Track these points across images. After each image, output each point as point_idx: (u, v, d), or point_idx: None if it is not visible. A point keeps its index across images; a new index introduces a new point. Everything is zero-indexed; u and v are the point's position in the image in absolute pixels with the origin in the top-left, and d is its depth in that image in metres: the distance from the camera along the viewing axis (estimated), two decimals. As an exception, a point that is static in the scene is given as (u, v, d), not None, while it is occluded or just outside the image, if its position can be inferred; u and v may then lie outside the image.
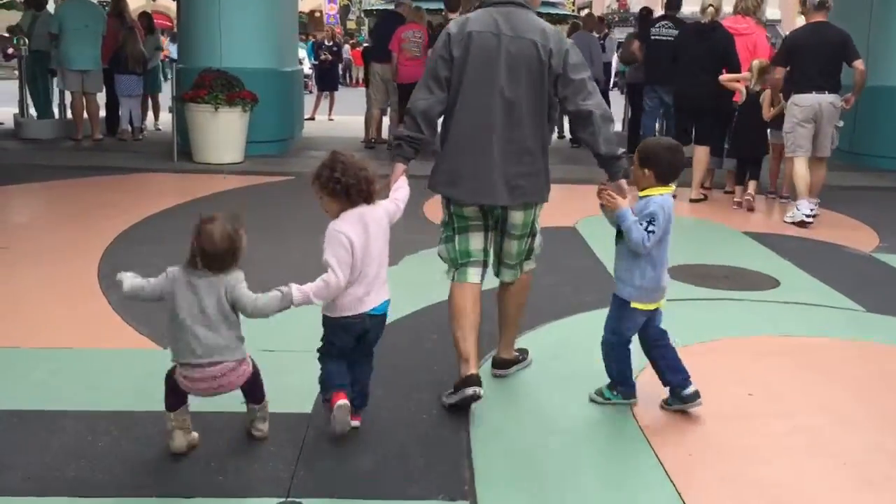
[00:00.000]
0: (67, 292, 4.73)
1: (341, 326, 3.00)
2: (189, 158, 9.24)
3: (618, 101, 13.47)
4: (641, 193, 3.24)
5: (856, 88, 7.23)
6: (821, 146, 7.26)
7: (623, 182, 3.29)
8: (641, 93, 10.80)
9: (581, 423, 3.35)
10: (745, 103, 7.63)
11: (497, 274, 3.63)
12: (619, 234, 3.27)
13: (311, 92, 15.84)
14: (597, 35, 12.51)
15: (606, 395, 3.43)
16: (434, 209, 6.48)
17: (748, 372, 3.85)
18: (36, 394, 3.41)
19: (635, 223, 3.15)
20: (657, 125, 10.53)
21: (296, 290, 2.86)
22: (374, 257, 2.98)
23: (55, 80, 11.04)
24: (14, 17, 17.01)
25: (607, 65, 13.56)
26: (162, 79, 12.96)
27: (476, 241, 3.47)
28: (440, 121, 3.45)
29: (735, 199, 7.88)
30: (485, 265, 3.53)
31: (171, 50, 20.09)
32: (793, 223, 7.09)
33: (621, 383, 3.41)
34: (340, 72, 17.08)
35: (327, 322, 3.04)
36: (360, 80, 16.38)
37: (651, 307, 3.31)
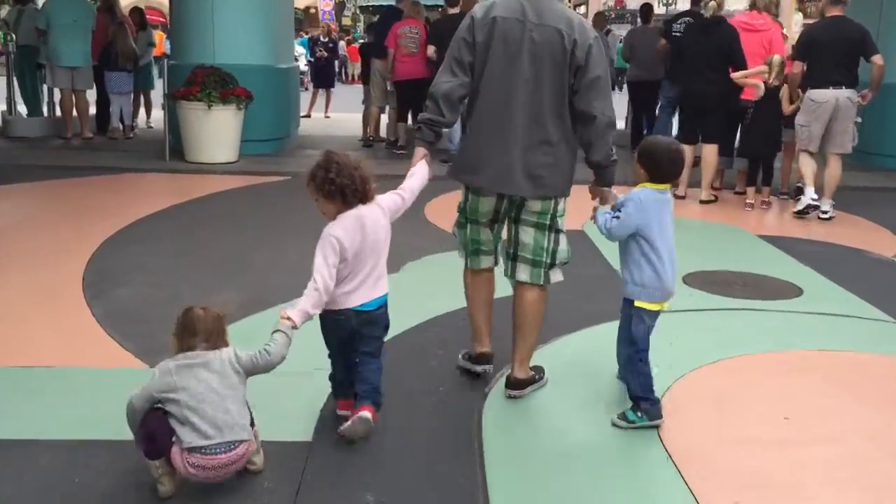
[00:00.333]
0: (48, 302, 4.44)
1: (329, 321, 2.97)
2: (181, 158, 8.95)
3: (620, 100, 13.17)
4: (636, 189, 3.20)
5: (873, 84, 7.09)
6: (838, 142, 7.12)
7: (609, 191, 3.28)
8: (642, 90, 10.65)
9: (602, 451, 3.08)
10: (762, 99, 7.36)
11: (510, 273, 3.45)
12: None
13: (306, 89, 15.53)
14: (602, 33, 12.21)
15: (630, 417, 3.19)
16: (437, 211, 6.22)
17: (781, 392, 3.58)
18: (8, 420, 3.12)
19: (606, 212, 3.21)
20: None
21: (294, 315, 2.77)
22: (367, 257, 2.93)
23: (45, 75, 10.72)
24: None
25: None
26: (155, 75, 12.65)
27: (486, 234, 3.46)
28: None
29: (747, 201, 7.62)
30: (495, 250, 3.53)
31: (168, 46, 19.75)
32: (802, 209, 7.11)
33: (644, 399, 3.19)
34: (336, 69, 16.77)
35: (320, 316, 2.96)
36: (357, 77, 16.08)
37: (655, 308, 3.20)
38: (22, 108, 11.19)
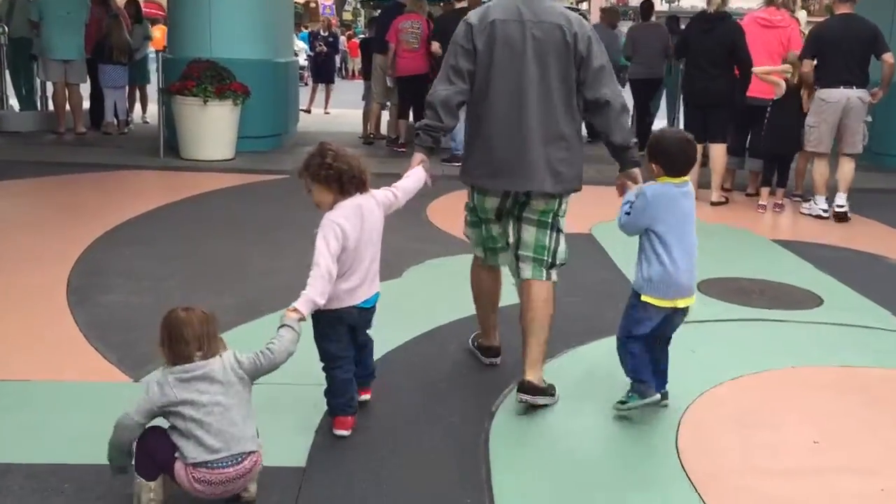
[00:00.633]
0: (29, 308, 4.20)
1: (334, 318, 2.84)
2: (176, 154, 8.71)
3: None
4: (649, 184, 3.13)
5: (883, 82, 6.94)
6: (849, 142, 6.99)
7: (635, 171, 3.27)
8: (644, 88, 10.49)
9: (619, 476, 2.85)
10: (783, 98, 7.13)
11: (516, 273, 3.41)
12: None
13: (306, 84, 15.29)
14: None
15: (624, 400, 3.18)
16: (439, 212, 6.02)
17: (808, 412, 3.35)
18: (-21, 441, 2.89)
19: (626, 204, 3.16)
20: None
21: (300, 305, 2.64)
22: (366, 249, 2.87)
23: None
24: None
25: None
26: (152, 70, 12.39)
27: (497, 229, 3.45)
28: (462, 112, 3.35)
29: (760, 202, 7.40)
30: (507, 247, 3.49)
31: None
32: (809, 214, 7.07)
33: (635, 381, 3.17)
34: (337, 64, 16.47)
35: (318, 317, 2.82)
36: (358, 73, 15.76)
37: (663, 304, 3.08)
38: (14, 103, 10.94)
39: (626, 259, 3.18)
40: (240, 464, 2.36)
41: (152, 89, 10.41)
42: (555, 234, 3.36)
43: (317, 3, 34.64)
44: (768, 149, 7.37)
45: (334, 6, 37.10)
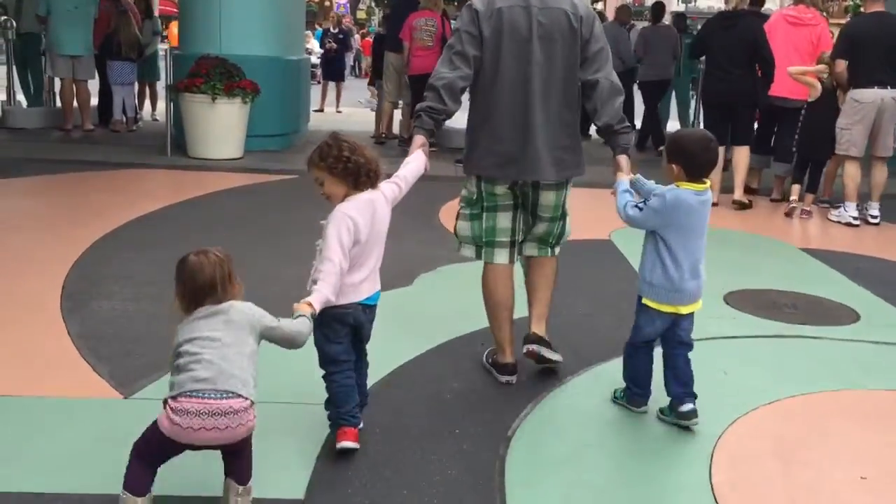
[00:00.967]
0: (18, 316, 3.98)
1: (335, 318, 2.67)
2: (184, 153, 8.50)
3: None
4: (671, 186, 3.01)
5: None
6: (882, 145, 6.79)
7: (623, 158, 3.21)
8: (655, 90, 10.34)
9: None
10: (818, 98, 6.86)
11: (520, 251, 3.51)
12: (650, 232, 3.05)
13: (318, 82, 15.05)
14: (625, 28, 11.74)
15: (617, 394, 3.24)
16: (451, 216, 5.73)
17: (853, 443, 3.08)
18: (-49, 465, 2.67)
19: (626, 192, 3.06)
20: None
21: (313, 300, 2.51)
22: (374, 245, 2.77)
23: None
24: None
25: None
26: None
27: (504, 220, 3.38)
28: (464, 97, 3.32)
29: (791, 198, 7.12)
30: (513, 245, 3.44)
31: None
32: (838, 222, 6.80)
33: (629, 387, 3.17)
34: (351, 62, 16.15)
35: (321, 315, 2.62)
36: (367, 72, 15.36)
37: (667, 309, 3.00)
38: (21, 99, 10.77)
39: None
40: (224, 399, 2.18)
41: (162, 86, 10.21)
42: (562, 223, 3.48)
43: (331, 0, 34.48)
44: (802, 152, 7.10)
45: (349, 4, 36.93)
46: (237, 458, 2.33)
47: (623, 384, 3.23)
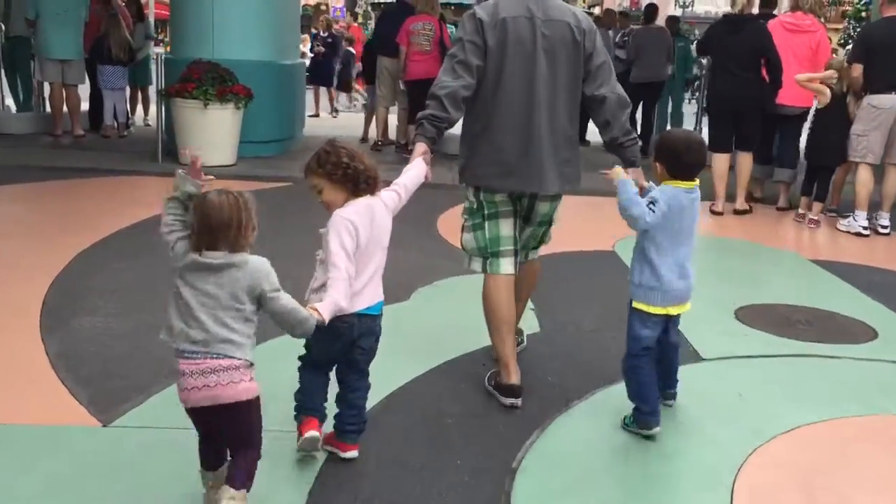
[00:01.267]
0: (-3, 334, 3.78)
1: (328, 330, 2.50)
2: (176, 159, 8.28)
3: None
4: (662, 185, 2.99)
5: None
6: None
7: (634, 171, 3.17)
8: (647, 92, 10.22)
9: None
10: (829, 105, 6.71)
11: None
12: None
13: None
14: (611, 32, 11.60)
15: (627, 420, 3.09)
16: (451, 226, 5.54)
17: (876, 470, 2.89)
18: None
19: (636, 196, 2.93)
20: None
21: (323, 308, 2.43)
22: (373, 252, 2.68)
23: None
24: None
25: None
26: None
27: (506, 227, 3.34)
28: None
29: (799, 211, 7.02)
30: (516, 254, 3.39)
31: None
32: (848, 232, 6.60)
33: (638, 407, 3.03)
34: (341, 66, 15.69)
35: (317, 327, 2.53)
36: (357, 78, 14.89)
37: (658, 312, 2.97)
38: (10, 104, 10.56)
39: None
40: (214, 359, 2.22)
41: (154, 91, 10.01)
42: (549, 228, 3.50)
43: (327, 5, 34.33)
44: (811, 160, 6.95)
45: (345, 9, 36.78)
46: (239, 435, 2.31)
47: (630, 408, 3.07)
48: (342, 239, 2.55)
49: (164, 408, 2.97)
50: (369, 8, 38.53)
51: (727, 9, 7.89)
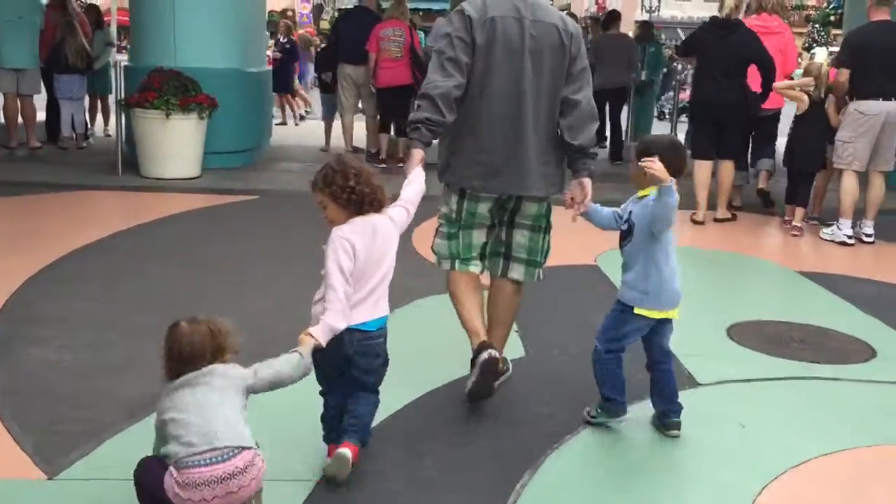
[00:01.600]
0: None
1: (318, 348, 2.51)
2: (136, 172, 7.96)
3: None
4: (641, 193, 3.03)
5: None
6: (883, 159, 6.48)
7: (587, 181, 3.20)
8: (608, 98, 10.05)
9: None
10: (807, 110, 6.63)
11: (503, 272, 3.39)
12: (625, 237, 3.06)
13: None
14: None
15: (594, 412, 3.16)
16: (426, 240, 5.25)
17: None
18: None
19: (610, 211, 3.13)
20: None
21: (316, 332, 2.47)
22: (374, 270, 2.65)
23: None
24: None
25: None
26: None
27: (479, 236, 3.34)
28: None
29: (786, 218, 6.91)
30: (482, 257, 3.39)
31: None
32: (832, 241, 6.45)
33: (607, 396, 3.11)
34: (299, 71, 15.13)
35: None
36: (312, 84, 14.33)
37: (654, 315, 3.02)
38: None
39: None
40: (228, 461, 2.12)
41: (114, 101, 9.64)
42: (547, 237, 3.39)
43: (293, 11, 33.93)
44: (791, 165, 6.85)
45: (312, 15, 36.44)
46: None
47: (592, 408, 3.16)
48: (339, 258, 2.54)
49: (119, 456, 2.70)
50: (336, 14, 38.22)
51: (693, 13, 7.78)
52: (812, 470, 2.90)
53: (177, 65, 7.94)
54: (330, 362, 2.61)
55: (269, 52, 12.34)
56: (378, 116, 9.50)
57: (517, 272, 3.37)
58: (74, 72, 9.40)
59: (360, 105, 9.72)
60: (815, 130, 6.62)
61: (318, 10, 38.85)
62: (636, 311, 3.01)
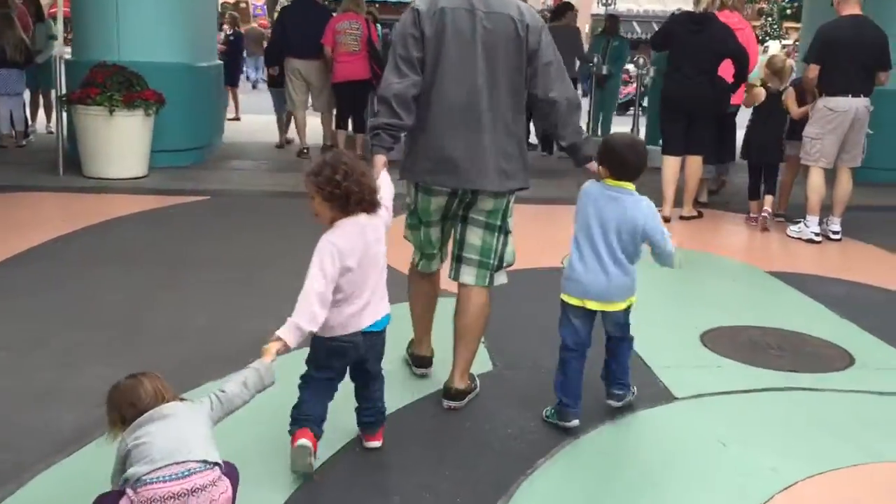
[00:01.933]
0: None
1: (332, 351, 2.62)
2: (79, 171, 7.58)
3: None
4: (610, 182, 3.03)
5: None
6: (851, 156, 6.38)
7: (592, 165, 3.15)
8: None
9: None
10: (764, 102, 6.60)
11: (454, 276, 3.28)
12: None
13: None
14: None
15: (548, 413, 3.14)
16: (394, 245, 5.02)
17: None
18: None
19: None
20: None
21: (284, 333, 2.46)
22: (371, 270, 2.65)
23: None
24: None
25: None
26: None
27: (436, 233, 3.32)
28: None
29: (751, 214, 6.82)
30: (442, 252, 3.41)
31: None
32: (799, 238, 6.35)
33: (560, 399, 3.08)
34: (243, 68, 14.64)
35: (316, 343, 2.65)
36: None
37: (573, 302, 3.03)
38: None
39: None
40: (188, 477, 2.03)
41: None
42: (503, 237, 3.25)
43: (247, 3, 33.29)
44: (752, 158, 6.80)
45: (266, 7, 35.79)
46: None
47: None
48: (323, 262, 2.53)
49: (55, 490, 2.48)
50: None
51: (648, 7, 7.64)
52: (803, 494, 2.72)
53: (121, 59, 7.62)
54: (346, 363, 2.69)
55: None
56: (333, 111, 9.23)
57: (468, 275, 3.23)
58: (13, 66, 8.99)
59: (310, 102, 9.40)
60: (773, 121, 6.58)
61: (272, 3, 38.17)
62: (561, 295, 3.07)
